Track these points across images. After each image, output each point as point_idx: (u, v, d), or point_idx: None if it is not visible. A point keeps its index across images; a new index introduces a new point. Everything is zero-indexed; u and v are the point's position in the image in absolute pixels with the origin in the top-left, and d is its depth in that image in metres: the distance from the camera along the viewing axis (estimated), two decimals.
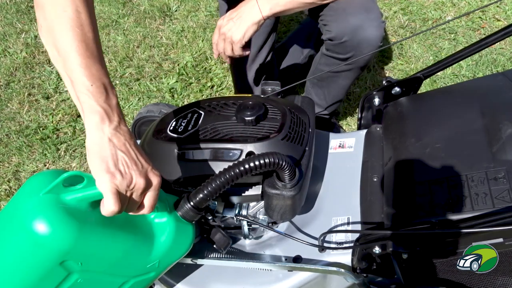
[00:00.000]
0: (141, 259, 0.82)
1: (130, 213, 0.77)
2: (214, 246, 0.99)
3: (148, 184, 0.75)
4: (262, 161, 0.82)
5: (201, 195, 0.84)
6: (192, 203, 0.85)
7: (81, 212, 0.72)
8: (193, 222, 0.89)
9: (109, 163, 0.71)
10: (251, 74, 1.82)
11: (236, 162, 0.83)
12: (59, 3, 0.75)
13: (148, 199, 0.77)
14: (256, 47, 1.76)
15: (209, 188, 0.83)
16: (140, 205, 0.77)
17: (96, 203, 0.74)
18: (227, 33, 1.32)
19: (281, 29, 2.54)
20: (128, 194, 0.73)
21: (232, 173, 0.82)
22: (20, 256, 0.71)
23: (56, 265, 0.72)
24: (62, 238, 0.69)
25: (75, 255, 0.72)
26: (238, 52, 1.35)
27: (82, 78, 0.72)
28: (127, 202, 0.74)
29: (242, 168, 0.82)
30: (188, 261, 1.06)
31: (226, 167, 0.84)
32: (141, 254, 0.82)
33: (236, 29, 1.31)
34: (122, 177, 0.71)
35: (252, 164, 0.82)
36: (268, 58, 1.82)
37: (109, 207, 0.70)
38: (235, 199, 0.99)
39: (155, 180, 0.76)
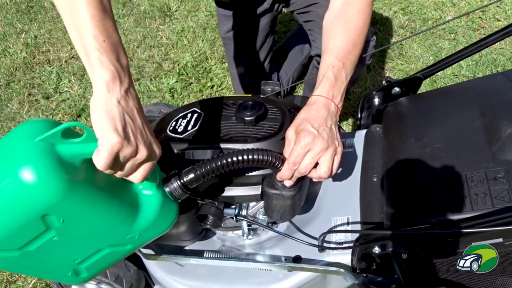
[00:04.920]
0: (122, 228, 0.79)
1: (119, 177, 0.74)
2: (209, 221, 0.97)
3: (149, 155, 0.72)
4: (258, 157, 0.82)
5: (192, 175, 0.83)
6: (182, 181, 0.84)
7: (74, 167, 0.69)
8: (178, 201, 0.87)
9: (117, 124, 0.67)
10: (249, 77, 1.82)
11: (233, 151, 0.83)
12: None
13: (143, 169, 0.74)
14: (253, 50, 1.77)
15: (202, 169, 0.82)
16: (132, 172, 0.74)
17: (90, 162, 0.70)
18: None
19: (281, 29, 2.54)
20: (127, 160, 0.71)
21: (227, 160, 0.82)
22: (2, 200, 0.65)
23: (37, 218, 0.68)
24: (51, 190, 0.65)
25: (59, 211, 0.69)
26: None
27: (94, 31, 0.68)
28: (122, 166, 0.71)
29: (236, 158, 0.82)
30: (188, 261, 1.06)
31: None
32: (123, 222, 0.78)
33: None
34: (128, 143, 0.68)
35: (247, 157, 0.82)
36: (267, 60, 1.83)
37: (98, 162, 0.67)
38: (235, 199, 0.99)
39: (156, 152, 0.75)
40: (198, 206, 0.97)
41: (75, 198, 0.69)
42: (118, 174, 0.73)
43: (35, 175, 0.64)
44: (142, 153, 0.71)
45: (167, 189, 0.85)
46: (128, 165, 0.72)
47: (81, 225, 0.74)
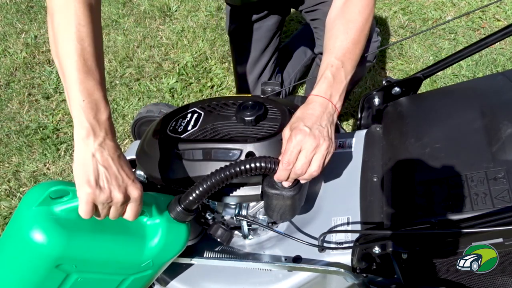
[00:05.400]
0: (133, 259, 0.87)
1: (112, 218, 0.82)
2: (218, 240, 1.00)
3: (126, 198, 0.78)
4: (253, 165, 0.83)
5: (190, 198, 0.85)
6: (182, 206, 0.86)
7: (70, 220, 0.79)
8: (187, 222, 0.90)
9: (90, 176, 0.75)
10: (252, 76, 1.82)
11: (228, 164, 0.84)
12: (65, 14, 0.79)
13: (130, 210, 0.81)
14: (258, 50, 1.76)
15: (199, 190, 0.84)
16: (122, 213, 0.81)
17: None
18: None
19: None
20: (107, 206, 0.78)
21: (223, 175, 0.83)
22: (21, 262, 0.80)
23: (53, 268, 0.79)
24: (53, 245, 0.77)
25: (68, 259, 0.80)
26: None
27: (76, 93, 0.76)
28: (106, 211, 0.79)
29: (233, 171, 0.83)
30: (188, 261, 1.06)
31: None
32: (132, 254, 0.86)
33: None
34: (100, 191, 0.75)
35: (243, 167, 0.83)
36: (272, 61, 1.82)
37: (80, 213, 0.76)
38: (234, 199, 0.99)
39: (134, 193, 0.79)
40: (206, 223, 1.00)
41: (78, 245, 0.79)
42: (110, 217, 0.80)
43: (38, 235, 0.76)
44: (117, 196, 0.77)
45: (171, 215, 0.88)
46: (112, 210, 0.79)
47: (93, 265, 0.83)
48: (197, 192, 0.84)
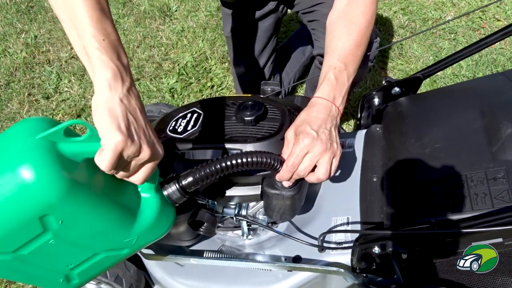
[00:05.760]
0: (121, 232, 0.77)
1: (120, 178, 0.73)
2: (202, 228, 0.97)
3: (151, 156, 0.71)
4: (259, 159, 0.82)
5: (190, 178, 0.82)
6: (180, 184, 0.83)
7: (75, 167, 0.67)
8: (176, 205, 0.85)
9: (120, 122, 0.66)
10: (250, 77, 1.83)
11: (232, 154, 0.83)
12: None
13: (145, 170, 0.73)
14: (256, 50, 1.77)
15: (201, 173, 0.81)
16: (134, 173, 0.73)
17: (90, 162, 0.68)
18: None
19: (281, 29, 2.54)
20: (129, 160, 0.69)
21: (226, 163, 0.81)
22: (1, 199, 0.63)
23: (36, 218, 0.65)
24: (52, 189, 0.63)
25: (58, 211, 0.66)
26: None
27: (93, 31, 0.68)
28: (124, 166, 0.70)
29: (236, 161, 0.81)
30: (188, 261, 1.06)
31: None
32: (122, 226, 0.76)
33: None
34: (131, 142, 0.66)
35: (246, 160, 0.82)
36: (270, 61, 1.83)
37: (102, 162, 0.65)
38: (234, 199, 0.99)
39: (159, 153, 0.73)
40: (192, 211, 0.96)
41: (76, 199, 0.66)
42: (120, 174, 0.71)
43: (36, 173, 0.61)
44: (146, 152, 0.69)
45: (165, 193, 0.83)
46: (131, 166, 0.70)
47: (79, 228, 0.71)
48: (198, 174, 0.82)
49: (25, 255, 0.71)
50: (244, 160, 0.82)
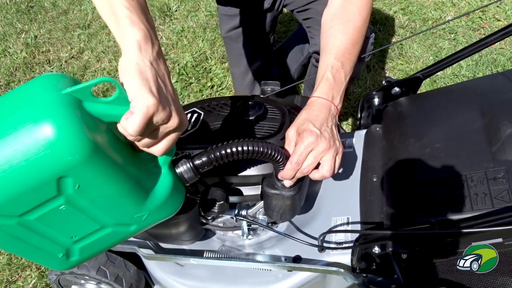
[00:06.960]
0: (133, 205, 0.73)
1: (141, 147, 0.69)
2: (215, 207, 0.95)
3: (179, 125, 0.68)
4: (269, 151, 0.81)
5: (205, 158, 0.81)
6: (194, 163, 0.81)
7: (100, 129, 0.62)
8: (186, 184, 0.83)
9: (151, 85, 0.62)
10: (249, 77, 1.83)
11: (246, 139, 0.81)
12: None
13: (168, 140, 0.69)
14: (254, 51, 1.77)
15: (216, 153, 0.80)
16: (157, 143, 0.69)
17: (113, 127, 0.65)
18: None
19: (281, 29, 2.54)
20: (157, 127, 0.65)
21: (241, 147, 0.80)
22: (16, 154, 0.57)
23: (53, 179, 0.60)
24: (75, 149, 0.57)
25: (78, 175, 0.61)
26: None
27: None
28: (150, 133, 0.66)
29: (248, 148, 0.80)
30: (188, 261, 1.06)
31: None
32: (136, 199, 0.72)
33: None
34: (163, 107, 0.63)
35: (258, 149, 0.80)
36: (267, 61, 1.83)
37: (131, 125, 0.61)
38: (234, 199, 0.99)
39: (186, 122, 0.70)
40: (202, 192, 0.95)
41: (97, 164, 0.61)
42: (143, 142, 0.67)
43: (61, 130, 0.56)
44: (174, 120, 0.66)
45: (178, 170, 0.81)
46: (157, 133, 0.66)
47: (93, 196, 0.66)
48: (215, 153, 0.80)
49: (31, 221, 0.66)
50: (257, 148, 0.80)
